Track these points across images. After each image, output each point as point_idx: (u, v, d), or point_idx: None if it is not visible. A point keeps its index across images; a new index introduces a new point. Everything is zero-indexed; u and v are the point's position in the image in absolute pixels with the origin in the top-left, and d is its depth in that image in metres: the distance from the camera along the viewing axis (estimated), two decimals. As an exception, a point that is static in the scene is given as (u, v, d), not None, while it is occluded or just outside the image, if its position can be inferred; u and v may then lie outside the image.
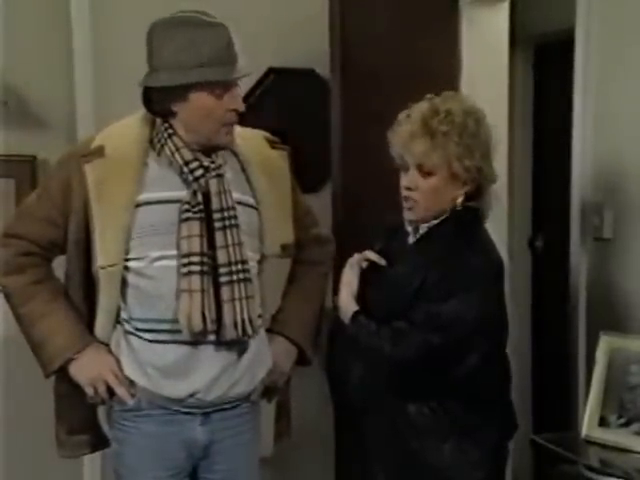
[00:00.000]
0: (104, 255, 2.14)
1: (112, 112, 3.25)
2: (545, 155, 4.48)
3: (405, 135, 2.13)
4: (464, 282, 2.07)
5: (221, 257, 2.14)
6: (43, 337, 2.20)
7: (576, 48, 3.07)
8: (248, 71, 2.17)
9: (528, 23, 4.26)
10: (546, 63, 4.45)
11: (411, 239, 2.23)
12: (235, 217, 2.17)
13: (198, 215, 2.14)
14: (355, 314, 2.18)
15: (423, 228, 2.20)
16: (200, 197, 2.15)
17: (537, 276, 4.51)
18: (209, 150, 2.20)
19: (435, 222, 2.18)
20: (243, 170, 2.28)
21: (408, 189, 2.16)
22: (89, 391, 2.23)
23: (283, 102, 3.55)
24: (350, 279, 2.24)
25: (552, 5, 4.01)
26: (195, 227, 2.13)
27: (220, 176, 2.18)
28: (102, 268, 2.14)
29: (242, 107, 2.18)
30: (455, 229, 2.16)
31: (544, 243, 4.49)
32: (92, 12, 3.26)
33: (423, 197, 2.14)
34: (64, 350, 2.20)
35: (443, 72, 3.46)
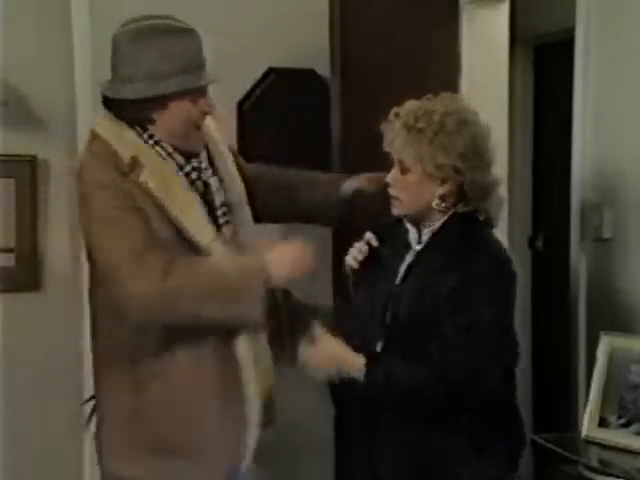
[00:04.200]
0: (202, 235, 2.18)
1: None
2: (545, 154, 4.49)
3: (389, 130, 2.18)
4: (485, 287, 2.09)
5: None
6: (233, 276, 2.14)
7: (576, 48, 3.07)
8: (216, 77, 2.23)
9: (528, 23, 4.26)
10: (546, 63, 4.45)
11: (415, 244, 2.24)
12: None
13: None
14: (369, 364, 2.13)
15: (426, 234, 2.21)
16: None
17: (537, 275, 4.51)
18: (186, 154, 2.24)
19: (437, 225, 2.19)
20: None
21: (389, 184, 2.21)
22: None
23: (283, 102, 3.55)
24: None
25: (552, 5, 4.01)
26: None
27: (214, 174, 2.26)
28: (210, 243, 2.19)
29: (213, 109, 2.24)
30: (460, 233, 2.17)
31: (544, 243, 4.49)
32: (92, 12, 3.25)
33: (400, 193, 2.19)
34: (255, 264, 2.17)
35: (443, 72, 3.47)
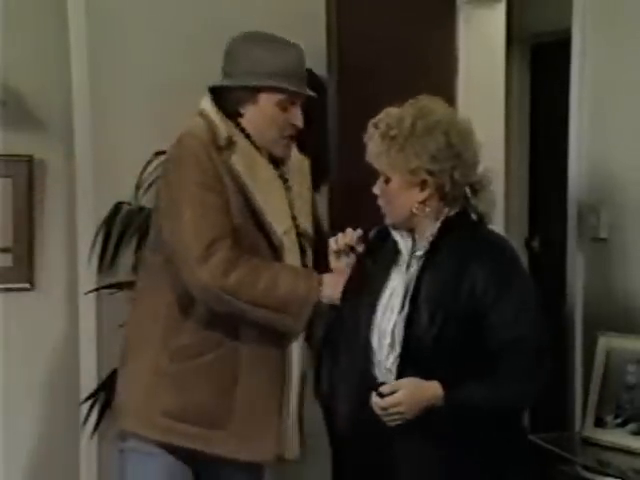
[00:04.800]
0: (279, 223, 2.31)
1: (109, 113, 3.30)
2: (542, 154, 4.49)
3: (368, 141, 2.17)
4: (517, 290, 2.08)
5: None
6: (287, 290, 2.25)
7: (572, 47, 3.07)
8: (314, 94, 2.42)
9: (525, 22, 4.27)
10: (543, 62, 4.45)
11: (406, 254, 2.18)
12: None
13: None
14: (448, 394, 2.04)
15: (423, 241, 2.16)
16: None
17: (534, 276, 4.50)
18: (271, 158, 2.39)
19: (434, 231, 2.14)
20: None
21: (376, 195, 2.20)
22: None
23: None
24: None
25: (548, 5, 4.01)
26: None
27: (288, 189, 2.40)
28: (285, 233, 2.33)
29: (302, 124, 2.38)
30: (464, 234, 2.14)
31: (541, 243, 4.49)
32: (88, 12, 3.24)
33: (386, 203, 2.17)
34: (312, 284, 2.27)
35: (440, 71, 3.47)
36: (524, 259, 4.48)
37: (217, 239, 2.22)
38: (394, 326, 2.12)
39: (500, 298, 2.05)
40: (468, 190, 2.18)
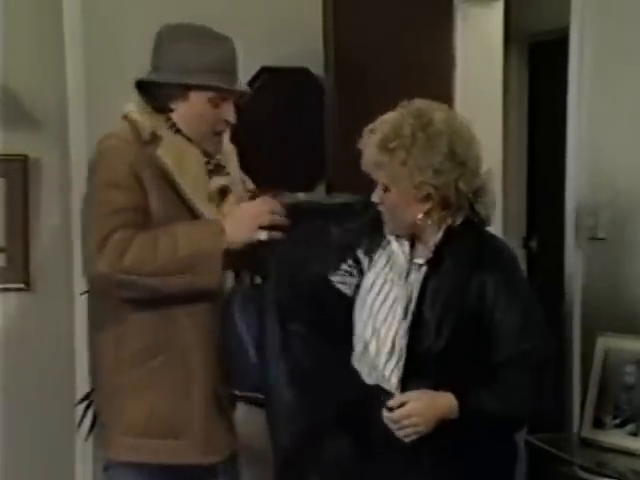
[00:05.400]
0: (210, 211, 2.26)
1: (104, 112, 3.28)
2: (540, 154, 4.48)
3: (364, 148, 2.10)
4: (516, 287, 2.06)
5: None
6: (189, 250, 2.16)
7: (570, 46, 3.06)
8: (246, 88, 2.36)
9: (522, 21, 4.26)
10: (541, 62, 4.44)
11: (404, 261, 2.12)
12: None
13: None
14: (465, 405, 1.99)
15: (425, 250, 2.10)
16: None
17: (532, 277, 4.50)
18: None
19: (437, 239, 2.09)
20: None
21: (376, 203, 2.13)
22: (262, 236, 2.21)
23: (277, 101, 3.53)
24: None
25: (546, 3, 4.01)
26: None
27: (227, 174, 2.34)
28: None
29: (234, 119, 2.32)
30: (469, 240, 2.08)
31: (539, 243, 4.48)
32: (84, 12, 3.24)
33: (386, 212, 2.12)
34: (213, 234, 2.19)
35: (437, 70, 3.46)
36: (522, 259, 4.47)
37: (114, 230, 2.16)
38: (395, 334, 2.06)
39: (509, 308, 2.01)
40: (471, 195, 2.11)
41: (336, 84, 3.27)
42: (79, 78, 3.24)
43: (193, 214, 2.25)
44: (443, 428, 1.97)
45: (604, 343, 2.70)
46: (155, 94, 2.29)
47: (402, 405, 1.98)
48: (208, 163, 2.31)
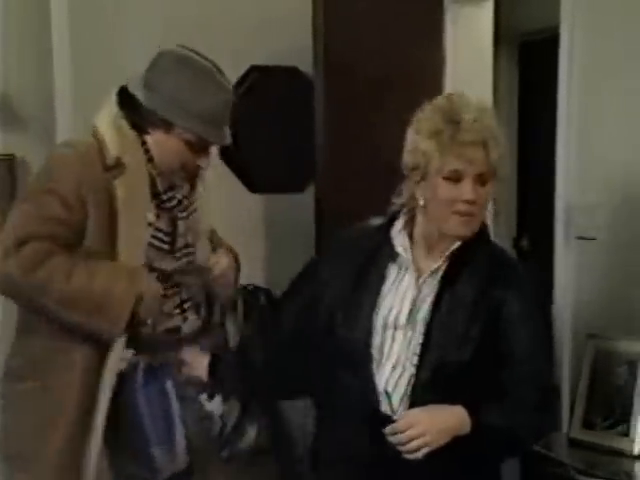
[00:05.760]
0: (131, 258, 2.18)
1: (91, 112, 3.26)
2: (530, 154, 4.47)
3: (469, 141, 1.88)
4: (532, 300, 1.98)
5: None
6: (103, 289, 2.10)
7: (561, 46, 3.05)
8: (226, 139, 2.26)
9: (513, 21, 4.25)
10: (531, 61, 4.44)
11: (405, 266, 1.96)
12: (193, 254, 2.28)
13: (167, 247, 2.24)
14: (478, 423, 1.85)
15: (440, 257, 1.94)
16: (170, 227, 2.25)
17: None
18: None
19: (451, 249, 1.94)
20: None
21: (470, 202, 1.90)
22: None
23: (266, 100, 3.51)
24: None
25: (536, 3, 4.00)
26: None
27: (190, 214, 2.28)
28: None
29: (207, 167, 2.27)
30: (479, 251, 1.96)
31: (529, 243, 4.47)
32: (71, 13, 3.22)
33: (477, 210, 1.92)
34: (133, 286, 2.12)
35: (427, 69, 3.45)
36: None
37: (37, 236, 2.09)
38: (400, 347, 1.92)
39: (524, 326, 1.91)
40: None
41: (326, 84, 3.26)
42: (66, 78, 3.22)
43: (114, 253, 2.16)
44: (455, 444, 1.84)
45: (595, 344, 2.70)
46: (137, 109, 2.20)
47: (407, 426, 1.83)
48: (171, 198, 2.25)
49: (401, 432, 1.82)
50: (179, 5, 3.38)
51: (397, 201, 2.01)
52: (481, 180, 1.90)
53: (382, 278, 1.97)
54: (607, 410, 2.62)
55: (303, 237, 3.38)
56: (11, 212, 2.19)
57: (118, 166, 2.16)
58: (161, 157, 2.22)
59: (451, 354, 1.87)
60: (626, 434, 2.56)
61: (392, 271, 1.97)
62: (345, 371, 1.95)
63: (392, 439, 1.84)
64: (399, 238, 1.98)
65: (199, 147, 2.21)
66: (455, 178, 1.89)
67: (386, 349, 1.93)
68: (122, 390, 2.18)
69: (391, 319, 1.93)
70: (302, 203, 3.54)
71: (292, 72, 3.57)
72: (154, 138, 2.21)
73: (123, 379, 2.18)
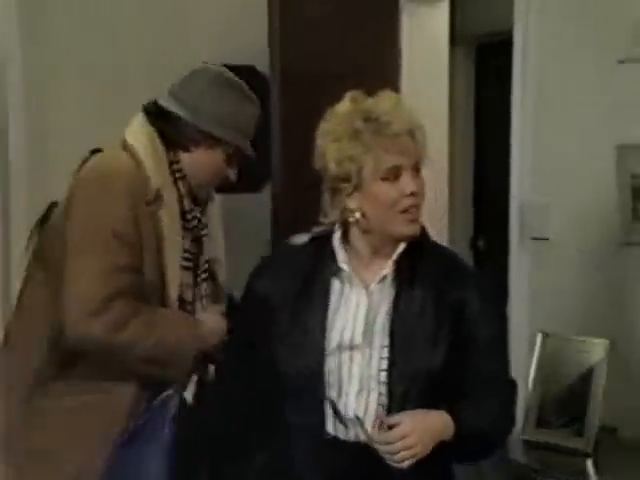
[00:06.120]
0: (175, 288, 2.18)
1: (44, 111, 3.22)
2: (486, 154, 4.50)
3: (395, 132, 1.81)
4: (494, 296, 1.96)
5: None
6: (176, 345, 2.13)
7: (514, 48, 3.07)
8: (252, 152, 2.32)
9: (469, 23, 4.28)
10: (487, 62, 4.46)
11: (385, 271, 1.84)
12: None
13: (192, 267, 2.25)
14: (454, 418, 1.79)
15: (385, 262, 1.83)
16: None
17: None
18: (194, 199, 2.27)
19: (402, 249, 1.83)
20: None
21: (414, 194, 1.81)
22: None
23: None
24: None
25: (491, 5, 4.02)
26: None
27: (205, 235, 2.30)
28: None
29: (235, 179, 2.30)
30: (425, 252, 1.87)
31: (486, 243, 4.50)
32: (20, 21, 3.18)
33: (421, 202, 1.83)
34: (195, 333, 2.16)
35: (383, 70, 3.45)
36: (469, 259, 4.49)
37: (117, 293, 2.05)
38: (360, 368, 1.80)
39: (487, 325, 1.84)
40: None
41: (282, 83, 3.24)
42: (18, 77, 3.20)
43: (162, 283, 2.16)
44: (440, 449, 1.77)
45: (549, 343, 2.71)
46: (174, 127, 2.19)
47: (393, 426, 1.73)
48: (192, 218, 2.23)
49: (393, 442, 1.72)
50: (138, 5, 3.36)
51: (326, 220, 1.88)
52: (416, 169, 1.81)
53: (326, 296, 1.84)
54: (560, 409, 2.64)
55: (260, 237, 3.37)
56: (74, 260, 2.07)
57: (157, 199, 2.14)
58: (197, 173, 2.22)
59: (422, 360, 1.79)
60: (580, 433, 2.58)
61: (336, 287, 1.85)
62: (293, 411, 1.83)
63: (381, 447, 1.73)
64: (340, 253, 1.85)
65: (233, 159, 2.26)
66: (394, 175, 1.79)
67: (344, 373, 1.81)
68: None
69: (345, 339, 1.81)
70: (258, 204, 3.52)
71: (249, 71, 3.54)
72: (194, 155, 2.21)
73: None
